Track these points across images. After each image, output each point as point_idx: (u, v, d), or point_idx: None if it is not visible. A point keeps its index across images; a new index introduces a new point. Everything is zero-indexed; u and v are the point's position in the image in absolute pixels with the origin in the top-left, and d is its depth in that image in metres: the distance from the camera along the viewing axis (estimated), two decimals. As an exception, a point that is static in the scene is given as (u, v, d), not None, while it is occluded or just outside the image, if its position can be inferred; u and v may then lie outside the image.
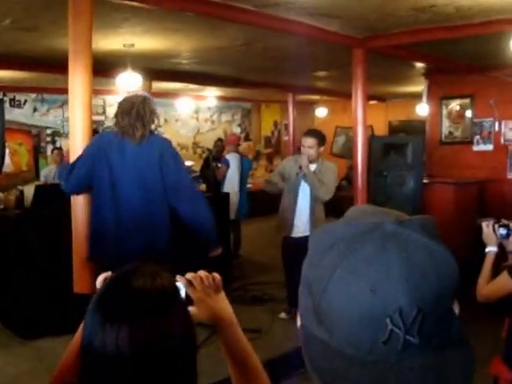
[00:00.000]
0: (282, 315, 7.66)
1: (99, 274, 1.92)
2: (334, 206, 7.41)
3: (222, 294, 2.08)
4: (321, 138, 7.30)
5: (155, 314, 1.57)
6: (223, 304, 2.07)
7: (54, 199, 6.71)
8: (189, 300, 1.96)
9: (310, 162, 7.15)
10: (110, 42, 8.42)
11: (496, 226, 3.98)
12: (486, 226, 4.01)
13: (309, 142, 7.16)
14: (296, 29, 7.45)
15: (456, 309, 1.11)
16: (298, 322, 1.18)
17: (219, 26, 7.49)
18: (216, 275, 2.08)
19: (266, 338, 7.04)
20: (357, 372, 1.02)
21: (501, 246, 3.98)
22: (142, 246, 4.99)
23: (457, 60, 10.33)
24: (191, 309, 1.96)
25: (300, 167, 7.15)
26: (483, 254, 4.05)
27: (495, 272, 3.85)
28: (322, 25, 7.53)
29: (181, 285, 1.92)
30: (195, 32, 8.06)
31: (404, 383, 1.01)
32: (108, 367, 1.54)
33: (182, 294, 1.90)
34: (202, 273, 2.05)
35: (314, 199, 7.21)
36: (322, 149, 7.29)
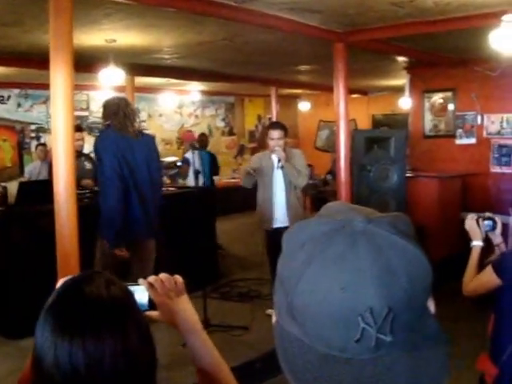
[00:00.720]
0: (269, 311, 7.53)
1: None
2: (319, 200, 7.46)
3: (185, 297, 2.03)
4: (286, 129, 7.60)
5: (110, 326, 1.51)
6: (186, 307, 2.03)
7: (38, 196, 6.77)
8: (152, 304, 1.93)
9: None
10: (92, 37, 8.39)
11: (480, 219, 3.97)
12: (471, 220, 3.99)
13: (277, 134, 7.40)
14: (277, 24, 7.46)
15: (431, 307, 1.11)
16: (273, 319, 1.19)
17: (200, 21, 7.48)
18: (178, 278, 2.02)
19: (253, 335, 7.06)
20: (331, 369, 1.02)
21: (487, 240, 3.97)
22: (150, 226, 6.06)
23: (438, 54, 10.37)
24: (154, 313, 1.95)
25: (279, 160, 7.38)
26: (468, 248, 4.04)
27: (482, 266, 3.85)
28: (303, 19, 7.55)
29: (143, 288, 1.90)
30: (176, 27, 8.05)
31: (378, 381, 1.01)
32: None
33: (145, 297, 1.90)
34: (163, 275, 1.99)
35: (288, 189, 7.50)
36: (286, 139, 7.56)
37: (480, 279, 3.79)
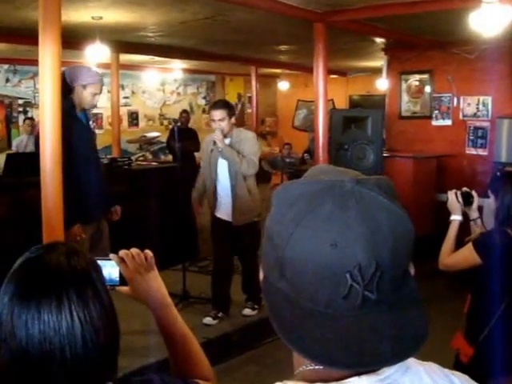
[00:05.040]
0: (207, 320, 6.84)
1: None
2: (296, 179, 7.43)
3: (155, 273, 2.01)
4: (230, 108, 6.74)
5: (68, 295, 1.47)
6: (156, 283, 2.00)
7: (25, 168, 6.78)
8: (123, 280, 1.94)
9: (224, 136, 6.59)
10: (80, 14, 8.45)
11: (459, 193, 4.03)
12: (451, 195, 4.04)
13: (218, 114, 6.54)
14: (258, 3, 7.50)
15: (411, 270, 1.15)
16: (261, 274, 1.20)
17: (183, -1, 7.54)
18: (148, 253, 2.00)
19: (231, 309, 7.09)
20: (316, 325, 1.05)
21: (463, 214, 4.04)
22: None
23: (416, 36, 10.40)
24: (124, 288, 1.97)
25: (214, 143, 6.66)
26: (442, 229, 4.09)
27: (460, 243, 3.90)
28: (284, -1, 7.57)
29: (113, 263, 1.92)
30: (160, 5, 8.12)
31: (362, 338, 1.03)
32: (18, 354, 1.45)
33: (116, 272, 1.92)
34: (133, 250, 1.97)
35: (233, 179, 6.65)
36: (233, 120, 6.64)
37: (459, 255, 3.84)
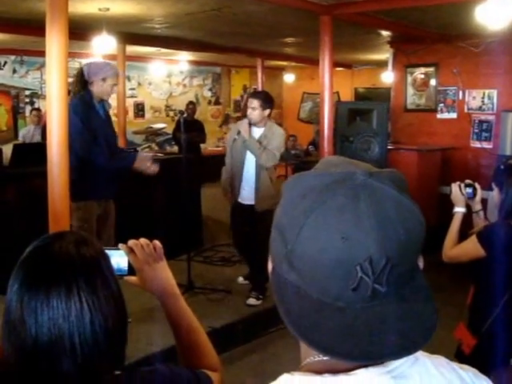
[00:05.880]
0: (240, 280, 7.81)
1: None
2: (300, 171, 7.41)
3: (164, 263, 2.02)
4: (266, 100, 6.95)
5: (77, 283, 1.48)
6: (164, 274, 2.01)
7: (32, 158, 6.88)
8: (132, 270, 1.96)
9: (255, 125, 6.90)
10: (86, 5, 8.46)
11: (462, 186, 4.04)
12: (455, 187, 4.05)
13: (254, 103, 6.85)
14: (264, -5, 7.45)
15: (420, 263, 1.15)
16: (270, 266, 1.20)
17: (190, -9, 7.52)
18: (157, 243, 2.01)
19: (235, 298, 7.16)
20: (324, 317, 1.05)
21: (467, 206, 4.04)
22: None
23: (422, 29, 10.37)
24: (132, 278, 1.98)
25: (239, 132, 6.97)
26: (445, 221, 4.09)
27: (464, 235, 3.91)
28: (291, -9, 7.54)
29: (122, 253, 1.94)
30: (167, -3, 8.12)
31: (370, 331, 1.03)
32: (26, 343, 1.46)
33: (125, 262, 1.93)
34: (142, 240, 1.99)
35: (259, 166, 6.87)
36: (267, 112, 6.88)
37: (463, 247, 3.85)
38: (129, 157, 6.39)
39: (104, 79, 5.91)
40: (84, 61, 15.17)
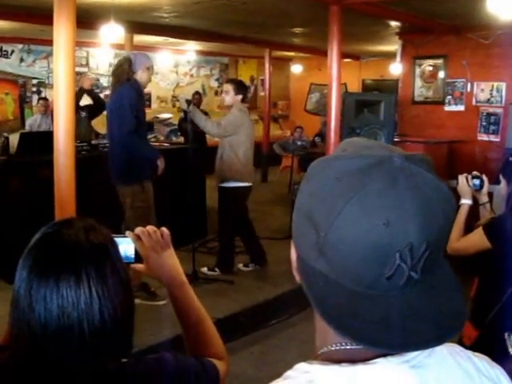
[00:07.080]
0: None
1: None
2: (306, 161, 7.40)
3: (171, 251, 2.01)
4: (239, 86, 7.53)
5: (86, 269, 1.48)
6: (172, 261, 2.00)
7: (38, 146, 6.94)
8: (139, 257, 1.94)
9: (228, 109, 7.49)
10: (94, -6, 8.44)
11: (469, 177, 4.01)
12: (462, 179, 4.03)
13: (227, 87, 7.46)
14: (273, -16, 7.44)
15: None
16: (294, 254, 1.17)
17: (198, -21, 7.51)
18: (164, 230, 2.00)
19: (238, 290, 7.19)
20: (356, 305, 1.03)
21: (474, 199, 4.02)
22: None
23: (432, 20, 10.34)
24: (140, 266, 1.97)
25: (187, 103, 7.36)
26: None
27: (470, 227, 3.88)
28: (300, -20, 7.52)
29: (129, 240, 1.92)
30: (175, -15, 8.08)
31: (403, 320, 1.02)
32: (35, 330, 1.46)
33: (132, 249, 1.91)
34: (150, 228, 1.98)
35: (221, 141, 7.53)
36: (239, 97, 7.41)
37: (469, 240, 3.82)
38: (156, 150, 6.99)
39: (148, 68, 6.52)
40: (91, 50, 15.30)
